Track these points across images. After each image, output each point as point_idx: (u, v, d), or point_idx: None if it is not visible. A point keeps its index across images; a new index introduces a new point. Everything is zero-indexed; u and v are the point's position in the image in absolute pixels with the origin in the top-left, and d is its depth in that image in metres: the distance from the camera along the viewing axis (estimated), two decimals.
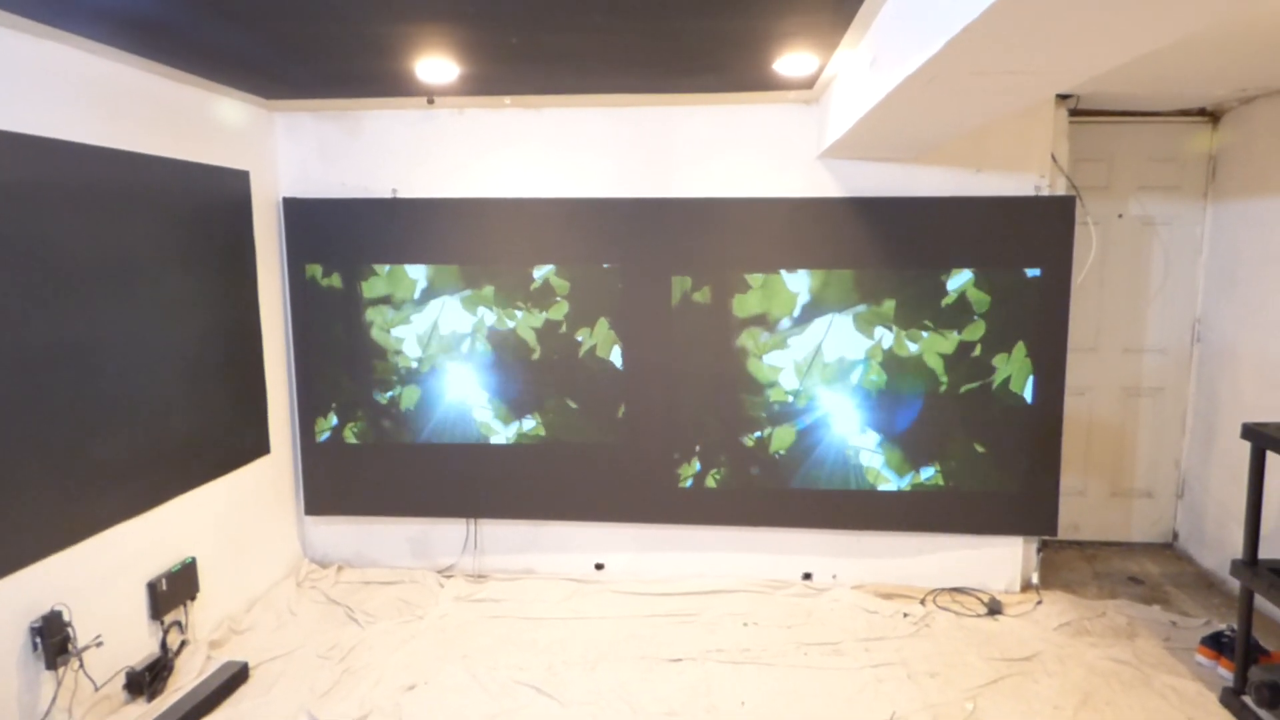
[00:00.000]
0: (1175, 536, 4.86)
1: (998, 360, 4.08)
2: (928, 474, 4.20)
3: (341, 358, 4.38)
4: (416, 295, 4.31)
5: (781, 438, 4.25)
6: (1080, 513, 4.88)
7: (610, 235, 4.19)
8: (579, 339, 4.28)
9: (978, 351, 4.09)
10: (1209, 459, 4.53)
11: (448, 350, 4.34)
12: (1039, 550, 4.33)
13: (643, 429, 4.31)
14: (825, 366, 4.15)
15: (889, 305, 4.09)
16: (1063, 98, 4.05)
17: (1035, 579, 4.32)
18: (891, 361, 4.14)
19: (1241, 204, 4.29)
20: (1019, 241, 4.00)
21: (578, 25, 2.75)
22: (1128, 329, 4.72)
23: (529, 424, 4.36)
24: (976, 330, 4.07)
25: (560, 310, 4.27)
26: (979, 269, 4.03)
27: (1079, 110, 4.23)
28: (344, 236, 4.29)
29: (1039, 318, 4.03)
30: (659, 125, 4.17)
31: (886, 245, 4.04)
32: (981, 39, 1.89)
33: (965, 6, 1.78)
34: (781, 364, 4.19)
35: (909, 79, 2.27)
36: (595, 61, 3.28)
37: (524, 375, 4.33)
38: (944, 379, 4.12)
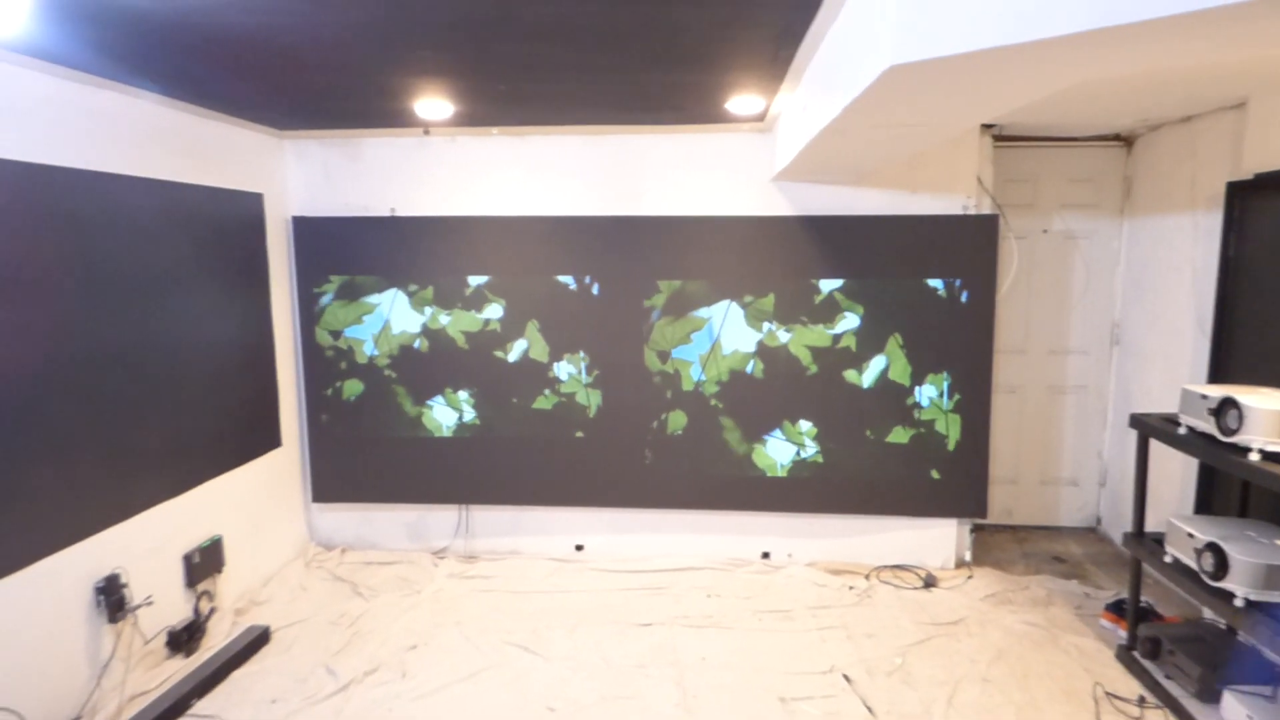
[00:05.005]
0: (1099, 521, 5.39)
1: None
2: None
3: (359, 361, 4.87)
4: (420, 305, 4.80)
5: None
6: (1013, 499, 5.41)
7: (585, 249, 4.69)
8: (553, 344, 4.78)
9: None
10: (1126, 450, 5.06)
11: (429, 349, 4.83)
12: (972, 531, 4.85)
13: (613, 420, 4.81)
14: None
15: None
16: (987, 126, 4.57)
17: (968, 557, 4.84)
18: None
19: (1151, 221, 4.83)
20: (949, 255, 4.51)
21: (555, 78, 3.25)
22: (1053, 333, 5.25)
23: (511, 417, 4.85)
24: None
25: (535, 316, 4.77)
26: (908, 279, 4.54)
27: (1003, 136, 4.76)
28: (347, 251, 4.77)
29: (967, 323, 4.54)
30: (629, 151, 4.68)
31: (831, 258, 4.56)
32: (871, 103, 2.40)
33: (856, 78, 2.29)
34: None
35: (824, 129, 2.78)
36: (570, 103, 3.79)
37: (501, 374, 4.82)
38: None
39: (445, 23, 2.52)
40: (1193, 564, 3.31)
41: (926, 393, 4.62)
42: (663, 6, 2.38)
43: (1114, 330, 5.19)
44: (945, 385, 4.60)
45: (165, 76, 3.23)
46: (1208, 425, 3.27)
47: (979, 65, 1.93)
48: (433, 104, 3.75)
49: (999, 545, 5.16)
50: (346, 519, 5.13)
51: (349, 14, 2.42)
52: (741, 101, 3.72)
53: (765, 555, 4.92)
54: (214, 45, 2.75)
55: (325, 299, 4.83)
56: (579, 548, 5.02)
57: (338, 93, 3.51)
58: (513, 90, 3.49)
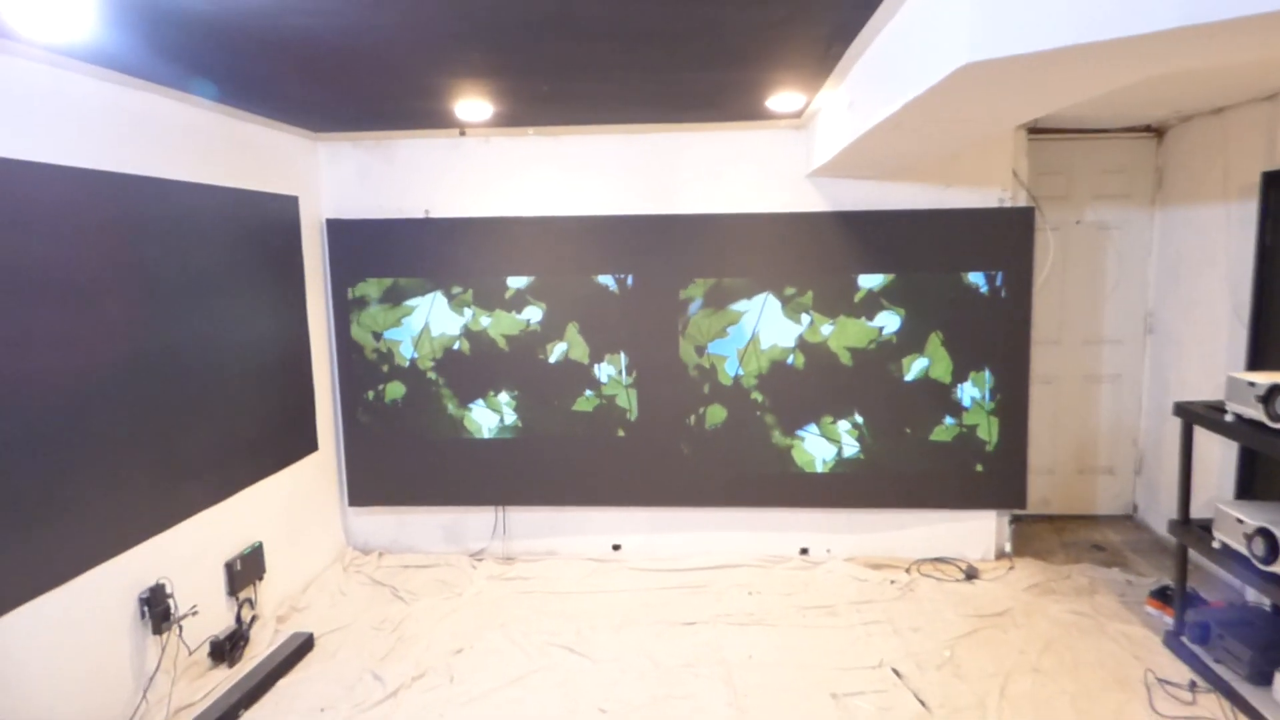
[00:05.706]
0: (1135, 508, 5.39)
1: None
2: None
3: (378, 363, 4.87)
4: (461, 306, 4.80)
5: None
6: (1050, 489, 5.40)
7: (621, 247, 4.69)
8: (593, 346, 4.78)
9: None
10: (1162, 438, 5.05)
11: (471, 350, 4.83)
12: (1011, 523, 4.84)
13: (651, 418, 4.81)
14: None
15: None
16: None
17: (1008, 548, 4.83)
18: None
19: (1183, 210, 4.81)
20: (986, 248, 4.50)
21: (601, 77, 3.24)
22: (1088, 323, 5.24)
23: (548, 417, 4.85)
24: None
25: (575, 318, 4.76)
26: (946, 274, 4.53)
27: (1038, 129, 4.74)
28: (381, 253, 4.77)
29: (1004, 315, 4.53)
30: (665, 149, 4.67)
31: (868, 253, 4.55)
32: (935, 100, 2.39)
33: (921, 76, 2.28)
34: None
35: (878, 125, 2.77)
36: (610, 102, 3.78)
37: (541, 376, 4.82)
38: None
39: (501, 23, 2.51)
40: (1242, 549, 3.31)
41: (969, 392, 4.61)
42: (721, 6, 2.37)
43: (1148, 319, 5.18)
44: (988, 386, 4.59)
45: (217, 79, 3.22)
46: (1256, 412, 3.27)
47: (1055, 63, 1.92)
48: (473, 105, 3.74)
49: (1038, 535, 5.16)
50: (382, 522, 5.13)
51: (407, 15, 2.41)
52: (782, 98, 3.71)
53: (803, 551, 4.91)
54: (269, 48, 2.74)
55: (371, 303, 4.82)
56: (616, 547, 5.01)
57: (381, 93, 3.50)
58: (555, 90, 3.47)
